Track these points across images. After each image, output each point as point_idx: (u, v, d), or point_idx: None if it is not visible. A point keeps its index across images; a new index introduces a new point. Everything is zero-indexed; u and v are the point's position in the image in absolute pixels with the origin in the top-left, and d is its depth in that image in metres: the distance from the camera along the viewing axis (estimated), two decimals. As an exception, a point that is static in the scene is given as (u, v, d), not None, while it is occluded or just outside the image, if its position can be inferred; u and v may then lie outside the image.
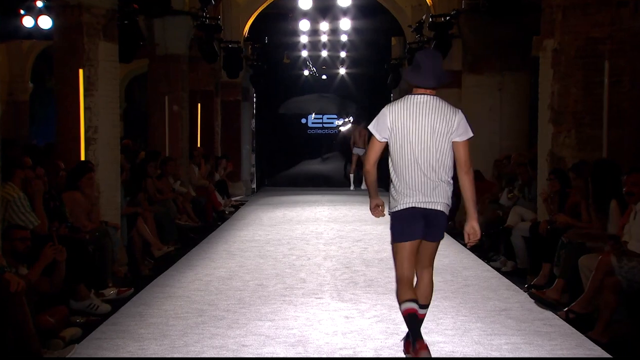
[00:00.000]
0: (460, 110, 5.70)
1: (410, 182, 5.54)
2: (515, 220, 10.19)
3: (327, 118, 29.33)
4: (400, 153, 5.56)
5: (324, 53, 26.87)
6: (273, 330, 6.77)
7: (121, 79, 20.25)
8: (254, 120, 24.84)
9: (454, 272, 9.68)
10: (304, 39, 25.50)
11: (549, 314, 7.46)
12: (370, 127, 5.73)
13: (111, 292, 8.31)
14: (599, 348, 6.35)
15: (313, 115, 28.96)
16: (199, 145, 18.00)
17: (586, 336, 6.64)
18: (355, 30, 24.56)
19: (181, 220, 13.11)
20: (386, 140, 5.62)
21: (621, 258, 6.80)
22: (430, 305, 5.85)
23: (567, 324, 7.03)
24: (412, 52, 18.48)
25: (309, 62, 27.48)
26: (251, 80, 22.81)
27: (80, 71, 9.71)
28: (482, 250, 11.32)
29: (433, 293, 5.78)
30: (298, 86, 28.25)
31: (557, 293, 7.80)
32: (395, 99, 24.14)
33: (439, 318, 7.23)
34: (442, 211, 5.64)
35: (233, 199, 19.33)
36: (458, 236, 12.65)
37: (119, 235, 9.57)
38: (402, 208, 5.57)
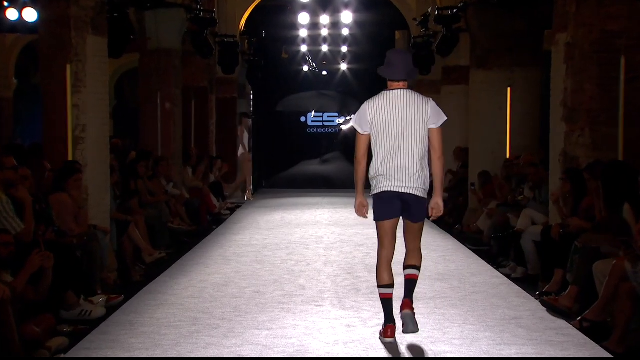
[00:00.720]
0: (431, 99, 6.69)
1: (392, 167, 6.49)
2: (526, 224, 10.18)
3: (328, 116, 29.25)
4: (382, 143, 6.52)
5: (324, 48, 26.84)
6: (271, 340, 6.77)
7: (111, 74, 20.25)
8: (250, 119, 24.83)
9: (461, 278, 9.67)
10: (303, 33, 25.46)
11: (561, 322, 7.46)
12: (352, 122, 6.64)
13: (100, 299, 8.29)
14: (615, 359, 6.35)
15: (313, 113, 28.87)
16: (192, 144, 17.99)
17: (601, 346, 6.63)
18: (357, 23, 24.51)
19: (174, 223, 13.11)
20: (368, 133, 6.57)
21: (636, 263, 6.78)
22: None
23: (580, 334, 7.02)
24: (417, 47, 18.49)
25: (309, 57, 27.45)
26: (247, 76, 22.79)
27: (68, 67, 9.70)
28: (491, 255, 11.32)
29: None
30: (297, 82, 28.17)
31: (570, 300, 7.78)
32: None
33: (446, 327, 7.22)
34: (420, 196, 6.57)
35: (229, 201, 19.31)
36: (466, 240, 12.67)
37: (108, 239, 9.56)
38: (380, 191, 6.57)
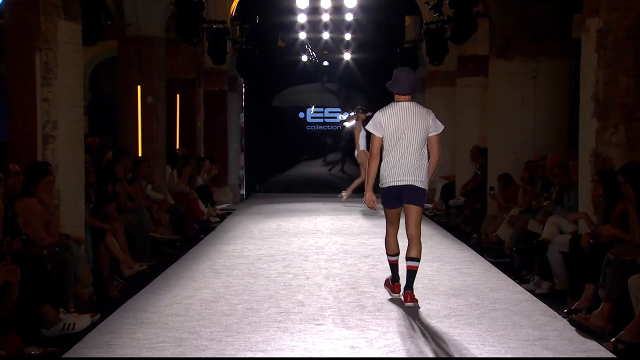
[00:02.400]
0: (431, 110, 9.12)
1: (399, 165, 8.91)
2: (552, 233, 10.16)
3: (329, 112, 29.25)
4: (392, 145, 8.93)
5: (326, 35, 26.83)
6: (265, 364, 6.74)
7: (85, 64, 20.19)
8: (242, 115, 24.82)
9: (480, 293, 9.65)
10: (301, 19, 25.46)
11: (592, 344, 7.43)
12: (368, 127, 9.09)
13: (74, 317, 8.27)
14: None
15: (313, 108, 28.88)
16: (177, 143, 17.98)
17: (638, 370, 6.61)
18: (363, 8, 24.52)
19: (157, 232, 13.08)
20: (382, 136, 8.96)
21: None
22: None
23: (615, 357, 6.98)
24: (430, 34, 18.49)
25: (308, 46, 27.43)
26: (239, 67, 22.76)
27: (36, 55, 9.67)
28: (513, 268, 11.29)
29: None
30: (295, 74, 28.18)
31: (603, 319, 7.76)
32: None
33: (463, 348, 7.20)
34: (419, 186, 8.94)
35: (218, 207, 19.30)
36: (484, 251, 12.65)
37: (82, 250, 9.54)
38: (388, 185, 9.00)
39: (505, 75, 14.00)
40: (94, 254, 10.23)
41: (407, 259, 8.89)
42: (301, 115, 28.95)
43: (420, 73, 22.63)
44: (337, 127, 28.72)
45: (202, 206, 16.71)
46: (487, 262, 11.96)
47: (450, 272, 11.08)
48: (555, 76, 13.78)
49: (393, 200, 9.01)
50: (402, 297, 8.93)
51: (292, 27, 26.08)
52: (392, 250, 9.22)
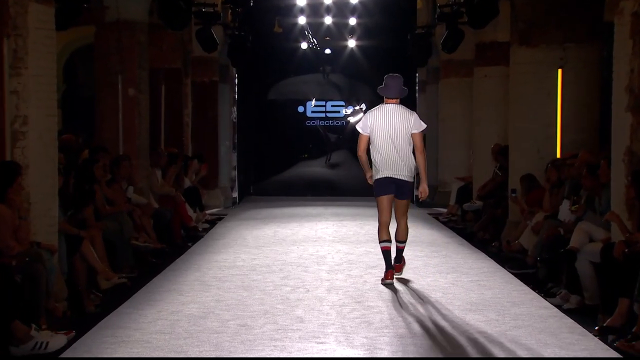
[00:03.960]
0: (414, 112, 11.38)
1: (386, 160, 11.14)
2: (582, 241, 10.14)
3: (332, 106, 29.24)
4: (379, 142, 11.17)
5: (328, 20, 26.82)
6: (260, 387, 6.73)
7: (59, 52, 20.18)
8: (235, 109, 24.78)
9: (500, 308, 9.64)
10: (301, 2, 25.47)
11: (627, 365, 7.41)
12: (357, 126, 11.42)
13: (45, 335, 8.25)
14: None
15: (313, 101, 28.87)
16: (162, 140, 17.95)
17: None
18: (369, -11, 24.54)
19: (139, 240, 13.07)
20: (368, 135, 11.23)
21: None
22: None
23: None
24: (445, 19, 18.44)
25: (308, 32, 27.40)
26: (231, 55, 22.74)
27: (4, 42, 9.64)
28: (538, 280, 11.28)
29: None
30: (293, 64, 28.16)
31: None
32: (421, 79, 24.26)
33: (481, 370, 7.18)
34: (407, 180, 11.21)
35: (208, 212, 19.29)
36: (505, 261, 12.64)
37: (55, 260, 9.51)
38: (380, 177, 11.24)
39: (529, 64, 13.99)
40: (69, 265, 10.21)
41: (397, 241, 11.49)
42: (300, 109, 28.95)
43: (434, 62, 22.64)
44: (340, 123, 28.71)
45: (189, 211, 16.69)
46: (508, 273, 11.95)
47: (467, 285, 11.08)
48: (585, 65, 13.78)
49: (385, 187, 11.20)
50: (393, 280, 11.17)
51: (290, 10, 26.06)
52: (383, 237, 11.27)
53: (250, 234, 16.42)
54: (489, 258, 13.34)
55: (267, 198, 25.33)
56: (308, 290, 10.74)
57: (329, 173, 28.72)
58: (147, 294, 10.61)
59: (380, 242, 11.30)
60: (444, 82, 22.00)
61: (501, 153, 16.03)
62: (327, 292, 10.63)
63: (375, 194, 11.37)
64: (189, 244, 15.09)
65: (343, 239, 15.60)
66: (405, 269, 11.74)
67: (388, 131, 11.13)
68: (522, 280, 11.33)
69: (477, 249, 14.25)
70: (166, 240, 14.30)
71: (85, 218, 11.18)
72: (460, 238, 15.76)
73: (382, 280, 11.17)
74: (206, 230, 17.04)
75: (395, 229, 11.45)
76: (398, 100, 11.34)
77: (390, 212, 11.28)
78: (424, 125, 11.32)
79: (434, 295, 10.15)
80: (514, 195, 13.94)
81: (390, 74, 11.50)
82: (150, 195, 15.04)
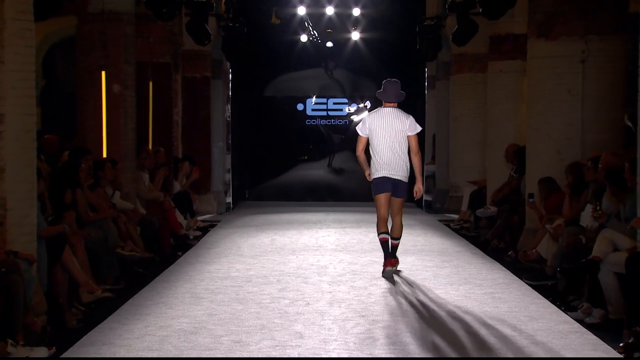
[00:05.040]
0: (410, 115, 12.85)
1: (384, 160, 12.65)
2: (605, 250, 10.13)
3: (334, 103, 29.27)
4: (377, 143, 12.68)
5: (330, 10, 26.85)
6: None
7: (38, 45, 20.19)
8: (229, 107, 24.79)
9: (517, 323, 9.64)
10: (300, -10, 25.52)
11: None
12: (357, 128, 13.01)
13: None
14: None
15: (314, 99, 28.89)
16: (150, 141, 17.95)
17: None
18: (374, -23, 24.56)
19: (124, 249, 13.06)
20: (367, 136, 12.78)
21: None
22: None
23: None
24: (456, 9, 18.45)
25: (308, 24, 27.41)
26: (225, 48, 22.76)
27: (-22, 35, 9.65)
28: (557, 292, 11.27)
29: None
30: (292, 58, 28.18)
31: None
32: (431, 75, 24.27)
33: (496, 390, 7.18)
34: (403, 180, 12.73)
35: (199, 218, 19.28)
36: (522, 272, 12.64)
37: (34, 271, 9.50)
38: (378, 176, 12.75)
39: (548, 58, 13.97)
40: (49, 276, 10.21)
41: (392, 238, 12.93)
42: (300, 107, 28.98)
43: (444, 56, 22.64)
44: (343, 122, 28.72)
45: (179, 217, 16.70)
46: (525, 284, 11.94)
47: (480, 297, 11.08)
48: (609, 59, 13.76)
49: (383, 186, 12.74)
50: (392, 268, 12.68)
51: (289, 0, 26.08)
52: (381, 230, 12.87)
53: (246, 242, 16.42)
54: (504, 268, 13.34)
55: (264, 203, 25.33)
56: (308, 304, 10.74)
57: (331, 176, 28.71)
58: (133, 307, 10.60)
59: (378, 234, 12.93)
60: (456, 78, 22.00)
61: (517, 154, 16.01)
62: (328, 306, 10.63)
63: (373, 192, 12.95)
64: (179, 253, 15.10)
65: (346, 247, 15.60)
66: (413, 280, 11.88)
67: (386, 133, 12.66)
68: (540, 293, 11.33)
69: (491, 259, 14.26)
70: (154, 250, 14.29)
71: (67, 226, 11.15)
72: (473, 247, 15.75)
73: (382, 272, 12.66)
74: (198, 239, 17.03)
75: (391, 226, 13.02)
76: (396, 104, 12.86)
77: (387, 209, 12.88)
78: (419, 128, 12.89)
79: (445, 308, 10.15)
80: (531, 200, 13.92)
81: (389, 79, 13.09)
82: (136, 200, 15.04)
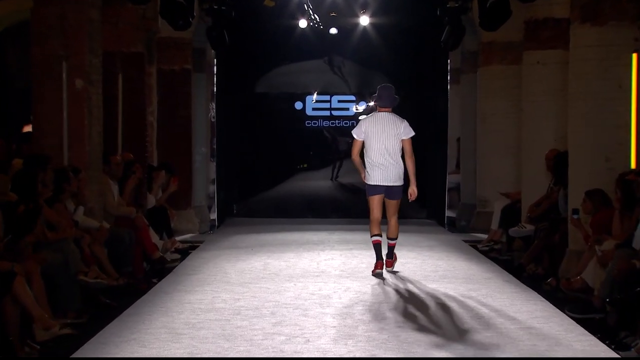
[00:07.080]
0: (405, 120, 15.23)
1: (378, 163, 15.07)
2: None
3: (338, 101, 29.30)
4: (372, 147, 15.14)
5: (334, -9, 26.92)
6: None
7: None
8: (214, 105, 24.80)
9: (559, 365, 9.64)
10: (299, -33, 25.55)
11: None
12: (352, 131, 15.39)
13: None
14: None
15: (315, 96, 28.92)
16: (119, 145, 17.95)
17: None
18: (387, -49, 24.62)
19: (88, 275, 13.05)
20: (362, 140, 15.22)
21: None
22: None
23: None
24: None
25: (308, 7, 27.41)
26: (210, 36, 22.77)
27: None
28: (607, 327, 11.24)
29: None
30: (289, 47, 28.18)
31: None
32: (455, 67, 24.31)
33: None
34: (397, 185, 15.17)
35: (178, 238, 19.27)
36: (565, 302, 12.62)
37: (-20, 302, 9.51)
38: (372, 184, 15.22)
39: (594, 47, 14.01)
40: (-2, 308, 10.20)
41: (388, 238, 15.43)
42: (298, 105, 28.99)
43: (471, 45, 22.67)
44: (349, 123, 28.70)
45: (155, 237, 16.68)
46: (568, 318, 11.94)
47: (515, 334, 11.06)
48: (667, 48, 13.78)
49: (375, 189, 15.26)
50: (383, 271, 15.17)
51: (286, -22, 26.12)
52: (374, 232, 15.20)
53: (234, 267, 16.43)
54: (542, 299, 13.33)
55: (256, 220, 25.36)
56: (308, 341, 10.73)
57: (336, 189, 28.72)
58: (98, 345, 10.58)
59: (371, 236, 15.28)
60: (484, 70, 22.00)
61: (558, 162, 15.97)
62: (333, 343, 10.62)
63: (367, 194, 15.52)
64: (154, 281, 15.10)
65: (353, 273, 15.60)
66: (434, 311, 11.98)
67: (380, 137, 15.18)
68: (586, 328, 11.32)
69: (527, 287, 14.26)
70: (124, 275, 14.26)
71: (21, 249, 11.12)
72: (506, 273, 15.75)
73: (372, 271, 15.25)
74: (176, 263, 17.02)
75: (387, 228, 15.48)
76: (390, 109, 15.43)
77: (380, 210, 15.41)
78: (413, 133, 15.35)
79: (473, 347, 10.11)
80: (575, 217, 13.88)
81: (383, 85, 15.70)
82: (101, 217, 15.01)
